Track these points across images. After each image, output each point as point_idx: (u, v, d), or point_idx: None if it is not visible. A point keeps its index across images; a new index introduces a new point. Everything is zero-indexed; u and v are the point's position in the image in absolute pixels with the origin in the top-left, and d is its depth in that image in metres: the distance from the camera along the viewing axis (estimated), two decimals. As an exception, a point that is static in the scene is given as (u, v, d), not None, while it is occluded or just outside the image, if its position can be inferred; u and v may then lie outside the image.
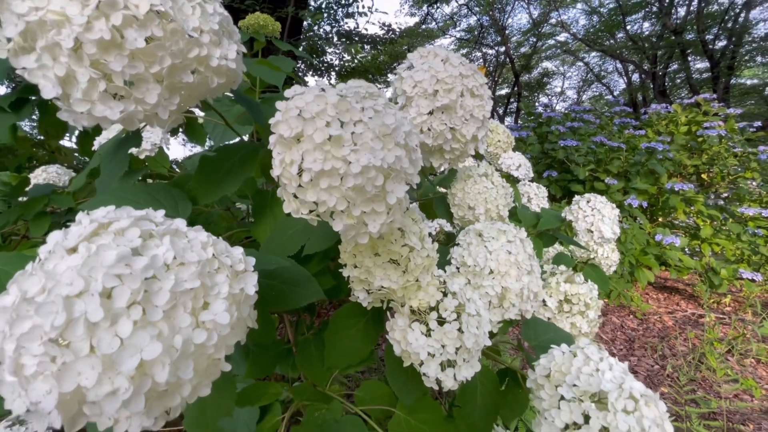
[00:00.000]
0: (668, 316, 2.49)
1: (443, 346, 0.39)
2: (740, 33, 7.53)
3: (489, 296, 0.49)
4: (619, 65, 10.12)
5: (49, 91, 0.30)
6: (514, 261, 0.49)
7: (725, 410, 1.48)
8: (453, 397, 0.71)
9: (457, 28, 10.16)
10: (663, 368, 1.86)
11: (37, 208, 0.89)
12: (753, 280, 2.49)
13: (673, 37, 7.76)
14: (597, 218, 0.75)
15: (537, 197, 1.15)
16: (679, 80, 9.50)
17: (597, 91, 11.61)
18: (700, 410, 1.45)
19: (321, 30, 5.29)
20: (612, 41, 9.53)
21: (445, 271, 0.47)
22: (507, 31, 9.96)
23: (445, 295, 0.42)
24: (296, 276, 0.46)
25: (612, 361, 0.40)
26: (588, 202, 0.78)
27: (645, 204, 2.80)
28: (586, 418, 0.36)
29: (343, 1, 4.99)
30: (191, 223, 0.31)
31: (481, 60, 10.76)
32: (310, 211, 0.34)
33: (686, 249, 2.82)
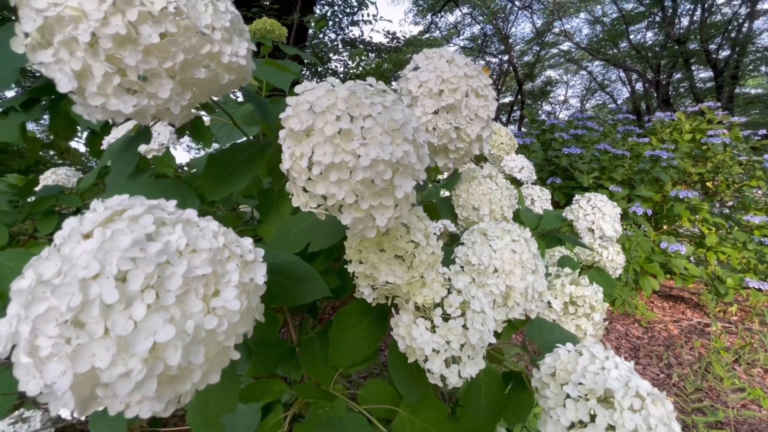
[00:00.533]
0: (674, 324, 2.46)
1: (448, 342, 0.39)
2: (744, 43, 7.56)
3: (493, 295, 0.49)
4: (622, 74, 10.16)
5: (65, 84, 0.31)
6: (518, 260, 0.49)
7: (733, 420, 1.46)
8: (456, 400, 0.71)
9: (461, 37, 10.25)
10: (669, 377, 1.84)
11: (44, 207, 0.90)
12: (760, 290, 2.46)
13: (677, 47, 7.80)
14: (598, 216, 0.75)
15: (540, 200, 1.16)
16: (682, 89, 9.51)
17: (600, 100, 11.64)
18: (707, 419, 1.43)
19: (326, 38, 5.35)
20: (615, 50, 9.59)
21: (449, 270, 0.47)
22: (510, 40, 10.04)
23: (449, 291, 0.42)
24: (302, 272, 0.47)
25: (618, 360, 0.40)
26: (588, 200, 0.78)
27: (650, 212, 2.79)
28: (592, 417, 0.36)
29: (348, 10, 5.05)
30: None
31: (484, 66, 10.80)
32: (319, 206, 0.35)
33: (692, 258, 2.80)
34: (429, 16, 9.21)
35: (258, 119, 0.67)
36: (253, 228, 0.66)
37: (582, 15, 9.70)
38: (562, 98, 12.28)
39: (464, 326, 0.39)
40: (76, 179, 1.08)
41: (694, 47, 7.96)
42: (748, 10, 7.44)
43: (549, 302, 0.59)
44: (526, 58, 10.58)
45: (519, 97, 10.24)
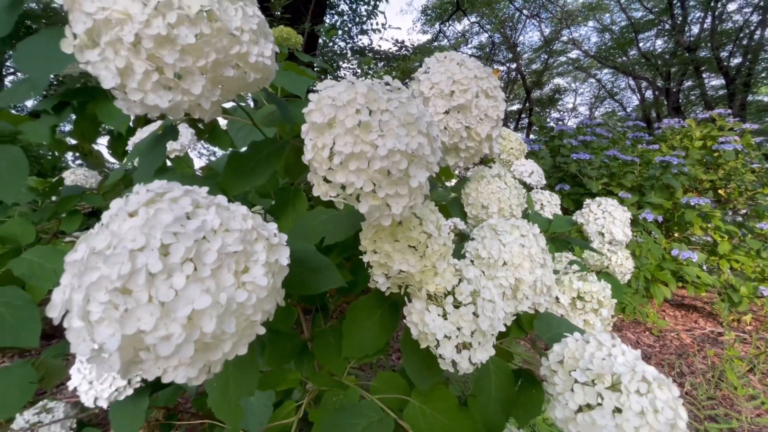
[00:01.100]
0: (686, 333, 2.43)
1: (459, 329, 0.41)
2: (756, 50, 7.49)
3: (503, 287, 0.50)
4: (631, 82, 10.12)
5: (109, 81, 0.33)
6: (527, 254, 0.51)
7: (747, 428, 1.43)
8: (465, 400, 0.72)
9: (469, 45, 10.33)
10: (681, 386, 1.81)
11: (69, 207, 0.94)
12: (774, 298, 2.42)
13: (687, 54, 7.76)
14: (608, 221, 0.76)
15: (550, 204, 1.17)
16: (693, 97, 9.44)
17: (610, 108, 11.60)
18: (720, 426, 1.41)
19: (335, 46, 5.45)
20: (624, 58, 9.57)
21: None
22: (518, 48, 10.09)
23: (460, 281, 0.44)
24: (318, 263, 0.49)
25: (624, 348, 0.41)
26: (599, 205, 0.80)
27: (660, 219, 2.76)
28: (600, 400, 0.37)
29: (357, 19, 5.14)
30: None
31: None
32: (338, 195, 0.37)
33: (704, 266, 2.76)
34: (437, 25, 9.32)
35: (275, 120, 0.70)
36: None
37: (590, 23, 9.72)
38: (570, 106, 12.27)
39: (475, 313, 0.41)
40: (94, 180, 1.12)
41: (705, 55, 7.92)
42: (760, 17, 7.40)
43: (557, 297, 0.60)
44: (534, 66, 10.61)
45: (527, 104, 10.25)
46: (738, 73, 7.65)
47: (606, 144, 3.28)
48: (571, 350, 0.43)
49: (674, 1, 7.88)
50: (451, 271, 0.44)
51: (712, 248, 2.80)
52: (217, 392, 0.46)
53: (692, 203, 2.67)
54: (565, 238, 0.96)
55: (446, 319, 0.41)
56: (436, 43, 9.52)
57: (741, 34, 7.70)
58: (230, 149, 0.89)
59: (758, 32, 7.52)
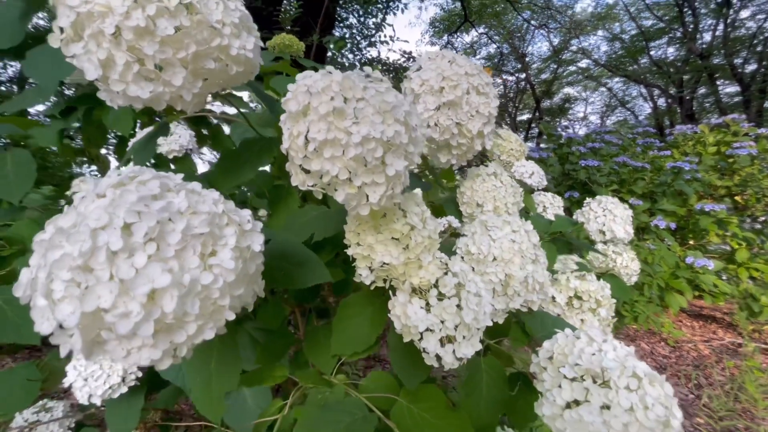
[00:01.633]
0: (704, 344, 2.34)
1: (442, 322, 0.40)
2: (771, 56, 7.35)
3: (493, 283, 0.49)
4: (643, 90, 10.00)
5: (92, 73, 0.34)
6: (518, 249, 0.50)
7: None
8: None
9: (477, 56, 10.39)
10: (698, 398, 1.74)
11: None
12: (797, 308, 2.31)
13: (700, 61, 7.65)
14: (609, 218, 0.75)
15: (552, 206, 1.15)
16: (708, 104, 9.28)
17: (621, 116, 11.46)
18: (739, 440, 1.34)
19: (344, 59, 5.54)
20: (635, 66, 9.49)
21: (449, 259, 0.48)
22: (527, 59, 10.10)
23: (445, 274, 0.43)
24: (304, 258, 0.49)
25: (616, 344, 0.40)
26: (600, 203, 0.78)
27: (673, 226, 2.69)
28: (588, 396, 0.36)
29: (365, 32, 5.23)
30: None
31: (501, 86, 10.90)
32: (315, 184, 0.37)
33: (723, 275, 2.67)
34: (445, 37, 9.42)
35: (272, 121, 0.71)
36: (264, 223, 0.68)
37: (600, 32, 9.70)
38: (581, 115, 12.17)
39: (459, 306, 0.40)
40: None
41: (718, 62, 7.79)
42: (775, 23, 7.27)
43: (553, 297, 0.59)
44: (543, 76, 10.60)
45: (537, 114, 10.21)
46: (753, 79, 7.50)
47: (616, 151, 3.23)
48: (560, 346, 0.41)
49: (685, 9, 7.81)
50: (437, 264, 0.43)
51: (730, 256, 2.71)
52: (200, 387, 0.45)
53: (707, 209, 2.60)
54: (568, 239, 0.94)
55: (429, 311, 0.40)
56: (444, 55, 9.57)
57: (755, 41, 7.57)
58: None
59: (773, 38, 7.39)
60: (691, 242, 2.91)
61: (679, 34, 8.28)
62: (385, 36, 5.26)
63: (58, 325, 0.25)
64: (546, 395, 0.39)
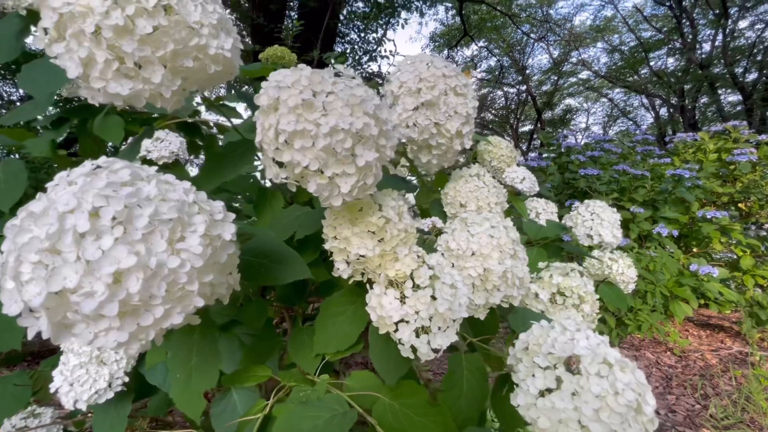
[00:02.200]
0: (711, 353, 2.29)
1: (417, 312, 0.40)
2: (771, 64, 7.38)
3: (471, 278, 0.49)
4: (645, 100, 10.05)
5: (73, 71, 0.36)
6: (496, 244, 0.50)
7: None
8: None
9: (478, 69, 10.52)
10: (705, 408, 1.69)
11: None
12: (806, 316, 2.27)
13: (700, 71, 7.69)
14: (596, 222, 0.75)
15: (545, 212, 1.15)
16: (710, 113, 9.29)
17: (623, 126, 11.49)
18: (745, 449, 1.30)
19: (346, 73, 5.62)
20: (636, 77, 9.56)
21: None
22: (527, 71, 10.22)
23: (420, 266, 0.43)
24: (284, 255, 0.49)
25: (590, 333, 0.40)
26: (587, 207, 0.78)
27: (676, 233, 2.67)
28: (559, 383, 0.36)
29: (366, 47, 5.33)
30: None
31: (502, 98, 11.01)
32: (288, 177, 0.38)
33: (730, 283, 2.63)
34: (446, 51, 9.56)
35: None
36: (250, 224, 0.69)
37: (599, 44, 9.81)
38: (583, 125, 12.22)
39: (433, 296, 0.40)
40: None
41: (719, 71, 7.83)
42: (773, 32, 7.33)
43: (536, 294, 0.59)
44: (544, 88, 10.69)
45: (539, 125, 10.27)
46: (755, 88, 7.52)
47: (615, 159, 3.23)
48: (535, 337, 0.41)
49: (683, 20, 7.90)
50: (413, 258, 0.44)
51: (735, 264, 2.68)
52: (180, 383, 0.46)
53: (709, 217, 2.58)
54: (560, 244, 0.94)
55: (404, 303, 0.41)
56: (445, 68, 9.70)
57: (755, 50, 7.62)
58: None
59: (773, 47, 7.44)
60: (695, 250, 2.88)
61: (678, 45, 8.35)
62: (385, 51, 5.36)
63: (26, 307, 0.25)
64: (520, 385, 0.39)
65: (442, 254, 0.53)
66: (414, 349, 0.41)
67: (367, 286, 0.45)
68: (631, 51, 9.39)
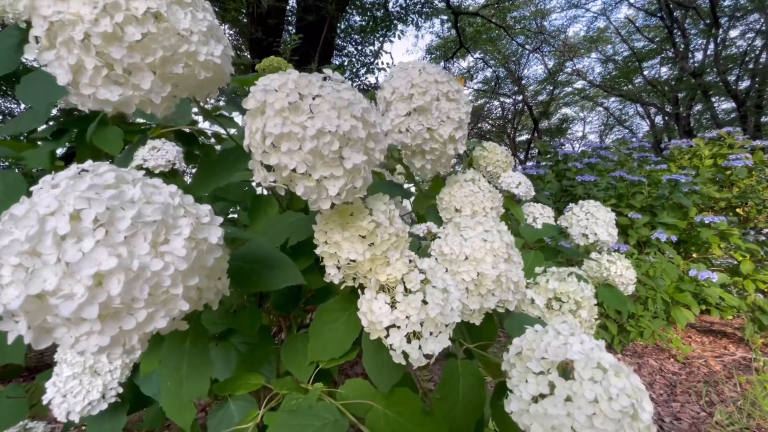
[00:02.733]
0: (715, 360, 2.26)
1: (407, 317, 0.39)
2: (764, 72, 7.47)
3: (465, 282, 0.49)
4: (640, 108, 10.15)
5: (62, 78, 0.36)
6: (489, 248, 0.50)
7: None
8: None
9: (474, 81, 10.64)
10: (710, 415, 1.67)
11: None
12: (808, 321, 2.25)
13: (693, 80, 7.79)
14: (591, 221, 0.75)
15: (542, 217, 1.15)
16: (705, 120, 9.37)
17: (620, 134, 11.58)
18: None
19: (344, 85, 5.67)
20: (630, 86, 9.67)
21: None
22: (523, 81, 10.33)
23: (411, 271, 0.43)
24: (276, 261, 0.49)
25: (584, 337, 0.39)
26: (582, 207, 0.78)
27: (674, 238, 2.67)
28: (552, 388, 0.35)
29: (363, 59, 5.40)
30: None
31: (499, 109, 11.11)
32: (275, 180, 0.38)
33: (732, 288, 2.61)
34: (442, 63, 9.68)
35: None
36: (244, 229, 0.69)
37: (593, 55, 9.95)
38: (580, 134, 12.31)
39: (424, 301, 0.40)
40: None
41: (712, 79, 7.93)
42: (765, 41, 7.44)
43: (532, 299, 0.58)
44: (540, 98, 10.80)
45: (536, 134, 10.34)
46: (748, 95, 7.60)
47: (612, 166, 3.25)
48: (529, 341, 0.41)
49: (675, 31, 8.03)
50: (404, 262, 0.43)
51: (735, 269, 2.66)
52: (170, 392, 0.45)
53: (707, 222, 2.58)
54: (557, 247, 0.94)
55: (395, 308, 0.40)
56: (442, 79, 9.81)
57: (746, 58, 7.73)
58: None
59: (764, 56, 7.55)
60: (695, 255, 2.87)
61: (671, 54, 8.47)
62: (383, 63, 5.42)
63: (8, 311, 0.25)
64: (514, 391, 0.38)
65: (436, 259, 0.53)
66: (406, 355, 0.40)
67: (359, 291, 0.45)
68: (624, 61, 9.52)
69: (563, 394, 0.34)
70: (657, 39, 8.69)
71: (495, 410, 0.54)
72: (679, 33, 8.00)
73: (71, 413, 0.63)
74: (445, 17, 7.97)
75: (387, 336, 0.40)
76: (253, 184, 0.93)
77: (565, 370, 0.37)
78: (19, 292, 0.24)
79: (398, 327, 0.40)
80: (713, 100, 8.33)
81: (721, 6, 7.41)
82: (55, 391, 0.65)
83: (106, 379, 0.66)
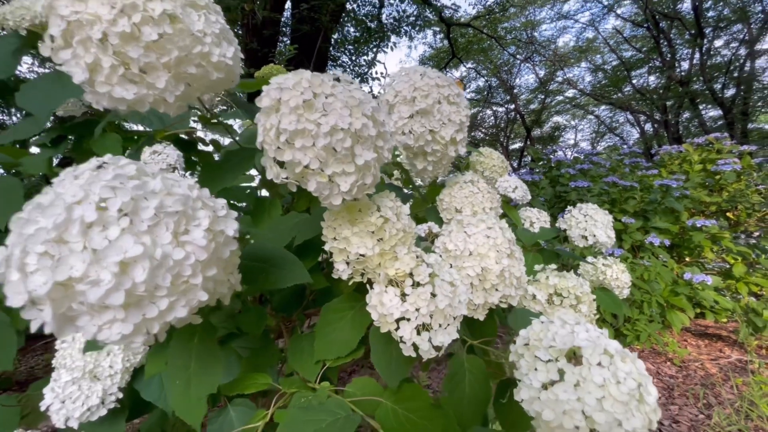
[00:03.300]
0: (711, 363, 2.28)
1: (417, 309, 0.40)
2: (748, 81, 7.69)
3: (470, 277, 0.50)
4: (630, 116, 10.35)
5: (79, 76, 0.37)
6: (492, 244, 0.51)
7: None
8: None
9: (467, 90, 10.78)
10: (708, 417, 1.68)
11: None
12: (800, 322, 2.28)
13: (680, 88, 7.98)
14: (590, 223, 0.76)
15: (539, 221, 1.16)
16: (693, 127, 9.57)
17: (611, 142, 11.76)
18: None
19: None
20: (620, 94, 9.87)
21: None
22: (515, 90, 10.50)
23: (419, 265, 0.44)
24: (284, 260, 0.49)
25: (589, 326, 0.40)
26: (580, 210, 0.80)
27: (668, 242, 2.71)
28: (562, 375, 0.36)
29: (357, 69, 5.46)
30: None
31: (492, 117, 11.25)
32: (288, 177, 0.39)
33: (724, 290, 2.65)
34: (436, 73, 9.80)
35: (254, 137, 0.74)
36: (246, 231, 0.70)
37: (583, 64, 10.16)
38: (572, 142, 12.49)
39: (433, 293, 0.41)
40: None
41: (699, 87, 8.13)
42: (748, 50, 7.68)
43: (534, 295, 0.59)
44: (532, 106, 10.97)
45: (528, 142, 10.47)
46: (734, 103, 7.80)
47: (605, 172, 3.30)
48: (536, 332, 0.42)
49: (661, 41, 8.25)
50: (412, 256, 0.44)
51: (728, 272, 2.71)
52: (179, 390, 0.45)
53: (698, 225, 2.62)
54: (555, 249, 0.95)
55: (404, 300, 0.41)
56: (435, 89, 9.93)
57: (731, 67, 7.95)
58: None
59: (748, 64, 7.77)
60: (688, 259, 2.91)
61: (658, 64, 8.68)
62: (376, 73, 5.50)
63: (29, 299, 0.25)
64: (523, 380, 0.39)
65: (440, 256, 0.54)
66: (416, 347, 0.41)
67: (367, 286, 0.45)
68: (613, 70, 9.73)
69: (572, 379, 0.35)
70: (644, 49, 8.92)
71: (498, 408, 0.55)
72: (665, 43, 8.22)
73: (70, 419, 0.62)
74: (437, 28, 8.11)
75: (397, 329, 0.41)
76: (254, 185, 0.94)
77: (572, 359, 0.38)
78: (47, 279, 0.25)
79: (408, 319, 0.40)
80: (701, 107, 8.54)
81: (706, 17, 7.63)
82: (53, 396, 0.64)
83: (106, 383, 0.65)
